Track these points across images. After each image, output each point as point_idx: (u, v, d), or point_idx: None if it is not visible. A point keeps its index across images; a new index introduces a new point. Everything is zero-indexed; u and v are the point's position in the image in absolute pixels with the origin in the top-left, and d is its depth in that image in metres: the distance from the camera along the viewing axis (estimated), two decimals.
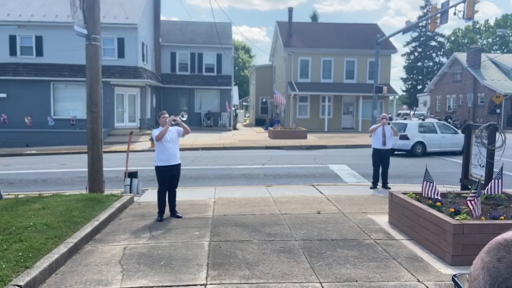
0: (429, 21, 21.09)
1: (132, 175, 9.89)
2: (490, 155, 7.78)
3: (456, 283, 0.87)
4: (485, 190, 6.77)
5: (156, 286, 4.72)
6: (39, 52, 25.12)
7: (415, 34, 59.86)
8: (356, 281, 4.85)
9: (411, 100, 60.75)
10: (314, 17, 62.43)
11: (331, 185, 10.99)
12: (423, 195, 6.71)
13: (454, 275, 0.88)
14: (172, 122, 7.57)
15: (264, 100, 41.77)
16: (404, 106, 45.69)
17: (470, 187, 7.51)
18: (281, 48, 34.84)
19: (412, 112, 22.12)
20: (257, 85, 42.02)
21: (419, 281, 4.88)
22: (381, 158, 10.38)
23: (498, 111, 36.32)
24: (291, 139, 23.32)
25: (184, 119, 7.84)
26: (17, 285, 4.36)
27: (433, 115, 40.76)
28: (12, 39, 24.99)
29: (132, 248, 6.01)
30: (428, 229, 5.91)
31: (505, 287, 0.74)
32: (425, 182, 6.67)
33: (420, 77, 61.88)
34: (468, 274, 0.84)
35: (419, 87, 60.83)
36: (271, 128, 27.29)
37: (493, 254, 0.78)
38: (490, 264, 0.77)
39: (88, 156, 9.26)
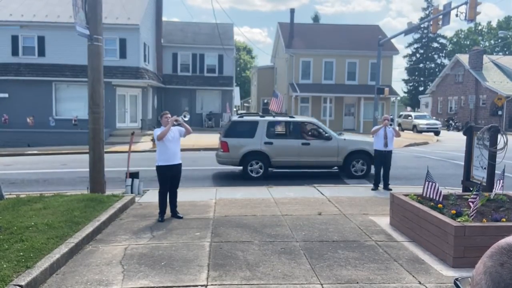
0: (431, 22, 21.07)
1: (134, 175, 9.90)
2: (492, 157, 7.77)
3: (458, 287, 0.87)
4: (490, 193, 6.76)
5: (157, 287, 4.72)
6: (41, 52, 25.16)
7: (417, 36, 59.89)
8: (357, 282, 4.84)
9: (412, 101, 60.73)
10: (316, 18, 62.50)
11: (332, 186, 10.98)
12: (425, 195, 6.70)
13: (456, 279, 0.88)
14: (174, 122, 7.58)
15: (265, 101, 41.73)
16: (408, 108, 45.72)
17: (471, 189, 7.50)
18: (282, 49, 34.84)
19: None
20: (259, 86, 42.03)
21: (420, 283, 4.88)
22: (382, 160, 10.37)
23: (500, 113, 36.27)
24: None
25: (186, 119, 7.87)
26: (18, 285, 4.36)
27: (434, 117, 40.71)
28: (14, 39, 25.04)
29: (133, 248, 6.01)
30: (430, 231, 5.90)
31: None
32: (426, 182, 6.66)
33: (421, 79, 61.86)
34: (470, 278, 0.83)
35: (421, 88, 60.82)
36: None
37: (495, 259, 0.77)
38: (492, 269, 0.76)
39: (90, 156, 9.27)
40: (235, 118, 12.97)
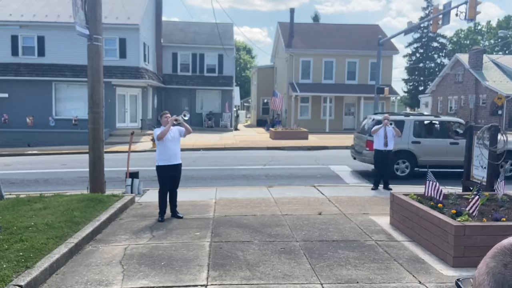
0: (431, 22, 21.07)
1: (133, 175, 9.89)
2: (492, 157, 7.76)
3: (459, 287, 0.86)
4: (491, 193, 6.75)
5: (156, 287, 4.71)
6: (41, 52, 25.13)
7: (417, 35, 59.82)
8: (357, 282, 4.84)
9: (412, 101, 60.70)
10: (316, 18, 62.43)
11: (332, 186, 10.97)
12: (426, 194, 6.69)
13: (458, 279, 0.87)
14: (174, 122, 7.58)
15: (265, 100, 41.74)
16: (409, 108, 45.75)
17: (471, 188, 7.49)
18: (282, 49, 34.82)
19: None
20: (259, 85, 42.00)
21: (420, 282, 4.87)
22: (382, 159, 10.37)
23: (500, 112, 36.25)
24: (292, 140, 23.29)
25: (186, 118, 7.85)
26: (18, 285, 4.36)
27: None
28: (14, 39, 25.01)
29: (133, 248, 6.01)
30: (430, 231, 5.89)
31: None
32: (427, 182, 6.65)
33: (421, 78, 61.82)
34: (472, 278, 0.83)
35: (421, 88, 60.77)
36: (272, 129, 27.28)
37: (498, 259, 0.76)
38: (495, 270, 0.75)
39: (90, 156, 9.26)
40: (379, 117, 12.75)
